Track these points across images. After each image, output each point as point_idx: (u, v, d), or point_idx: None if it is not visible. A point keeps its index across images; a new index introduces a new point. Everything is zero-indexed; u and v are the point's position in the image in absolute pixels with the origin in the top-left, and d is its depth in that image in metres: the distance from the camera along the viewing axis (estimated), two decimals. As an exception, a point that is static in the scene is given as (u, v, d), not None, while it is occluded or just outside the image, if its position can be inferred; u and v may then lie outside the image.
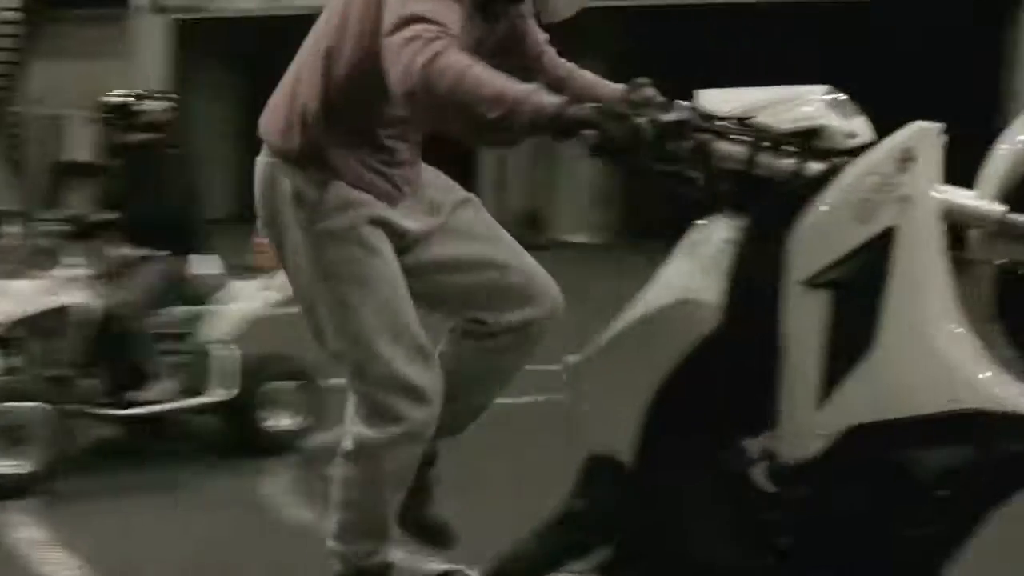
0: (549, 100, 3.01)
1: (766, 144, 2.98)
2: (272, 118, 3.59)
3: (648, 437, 3.07)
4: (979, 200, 3.00)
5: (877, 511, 2.89)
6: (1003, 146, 3.11)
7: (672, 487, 3.11)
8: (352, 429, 3.60)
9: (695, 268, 3.07)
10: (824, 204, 2.92)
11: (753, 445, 3.10)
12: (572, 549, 3.25)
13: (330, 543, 3.74)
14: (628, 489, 3.13)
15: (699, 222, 3.15)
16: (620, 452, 3.10)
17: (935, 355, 2.85)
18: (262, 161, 3.61)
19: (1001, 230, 2.98)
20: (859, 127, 3.02)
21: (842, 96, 3.07)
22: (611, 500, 3.16)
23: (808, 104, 3.02)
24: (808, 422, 2.92)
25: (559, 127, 2.97)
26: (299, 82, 3.53)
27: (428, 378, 3.55)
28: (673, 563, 3.13)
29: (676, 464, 3.09)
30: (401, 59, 3.06)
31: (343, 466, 3.64)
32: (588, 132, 2.92)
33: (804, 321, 2.91)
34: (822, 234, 2.91)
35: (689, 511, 3.10)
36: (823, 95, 3.06)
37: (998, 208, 2.98)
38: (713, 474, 3.11)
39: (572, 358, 3.22)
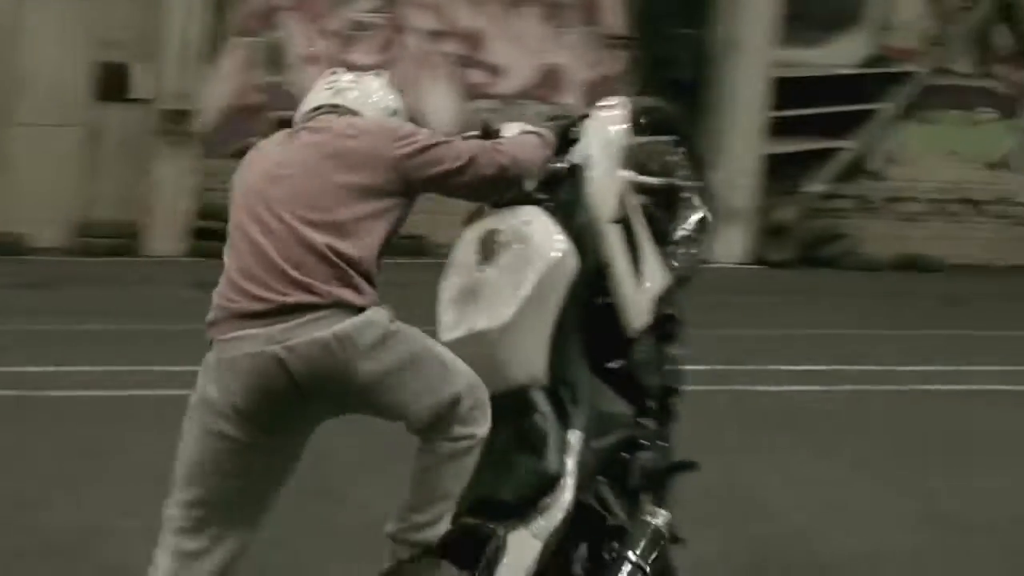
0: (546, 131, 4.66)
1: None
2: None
3: (553, 361, 4.43)
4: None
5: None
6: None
7: (575, 374, 4.50)
8: (458, 430, 4.18)
9: (549, 232, 4.46)
10: (596, 170, 4.63)
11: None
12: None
13: (408, 530, 4.19)
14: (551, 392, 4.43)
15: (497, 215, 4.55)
16: (541, 373, 4.41)
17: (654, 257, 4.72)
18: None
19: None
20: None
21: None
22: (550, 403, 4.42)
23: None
24: (638, 299, 4.62)
25: None
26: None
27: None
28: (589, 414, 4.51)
29: (572, 368, 4.49)
30: (522, 159, 4.42)
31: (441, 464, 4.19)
32: None
33: (614, 243, 4.58)
34: (603, 189, 4.61)
35: (585, 384, 4.52)
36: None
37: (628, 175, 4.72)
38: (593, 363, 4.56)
39: (487, 322, 4.36)
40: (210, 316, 4.18)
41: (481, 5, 17.88)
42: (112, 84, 16.57)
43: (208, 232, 16.02)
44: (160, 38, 16.43)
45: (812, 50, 18.73)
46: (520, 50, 18.06)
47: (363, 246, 4.13)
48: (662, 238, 4.83)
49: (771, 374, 10.55)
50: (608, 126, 4.78)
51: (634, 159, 4.78)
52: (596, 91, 17.90)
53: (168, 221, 16.34)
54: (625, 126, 4.79)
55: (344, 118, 4.35)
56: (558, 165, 4.63)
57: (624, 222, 4.63)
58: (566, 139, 4.71)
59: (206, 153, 16.51)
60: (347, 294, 4.06)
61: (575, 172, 4.63)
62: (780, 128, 18.08)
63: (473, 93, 17.72)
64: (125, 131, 16.65)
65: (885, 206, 18.98)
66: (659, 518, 4.60)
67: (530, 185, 4.53)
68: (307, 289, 4.02)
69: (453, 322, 4.48)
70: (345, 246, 4.09)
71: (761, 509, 7.10)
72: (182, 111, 16.35)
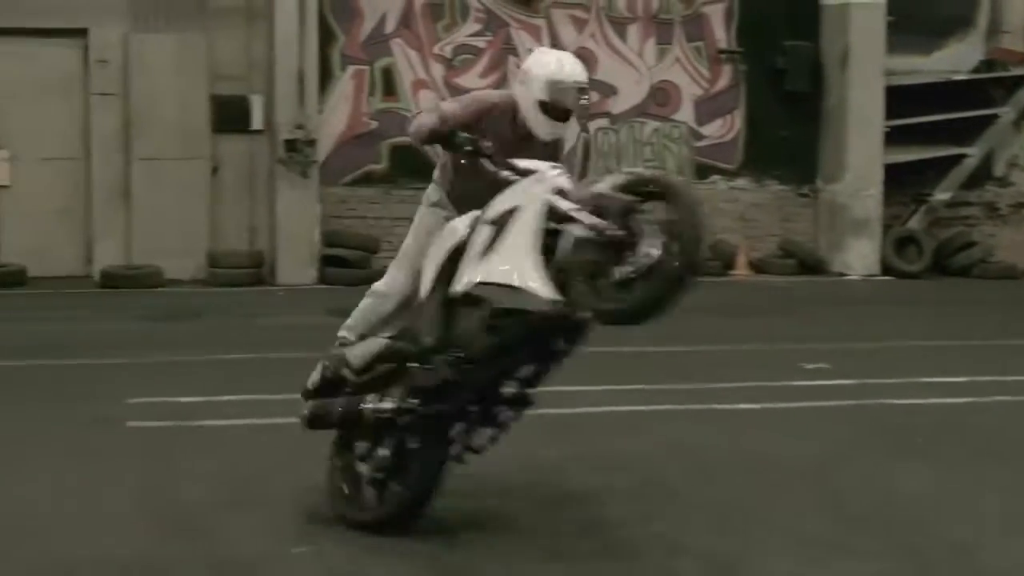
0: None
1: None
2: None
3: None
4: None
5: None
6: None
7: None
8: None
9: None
10: (508, 190, 6.25)
11: None
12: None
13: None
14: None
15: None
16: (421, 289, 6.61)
17: (522, 254, 6.02)
18: None
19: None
20: None
21: None
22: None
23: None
24: (464, 279, 6.20)
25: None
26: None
27: None
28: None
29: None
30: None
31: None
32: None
33: (479, 238, 6.23)
34: (498, 201, 6.22)
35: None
36: None
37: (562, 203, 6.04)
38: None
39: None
40: None
41: (587, 24, 17.89)
42: (231, 116, 16.76)
43: (335, 259, 16.19)
44: (274, 69, 16.61)
45: (926, 57, 18.55)
46: (628, 68, 18.05)
47: None
48: (594, 271, 5.87)
49: (915, 387, 10.40)
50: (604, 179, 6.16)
51: (589, 198, 5.96)
52: (707, 105, 17.96)
53: (296, 250, 16.55)
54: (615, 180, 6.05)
55: None
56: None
57: (499, 226, 6.13)
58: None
59: (324, 181, 16.66)
60: None
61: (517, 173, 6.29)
62: (900, 138, 17.92)
63: (585, 113, 17.72)
64: (246, 162, 16.87)
65: (1013, 212, 18.74)
66: (378, 401, 6.55)
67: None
68: None
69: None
70: None
71: (919, 522, 6.99)
72: (301, 140, 16.50)
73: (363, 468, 6.64)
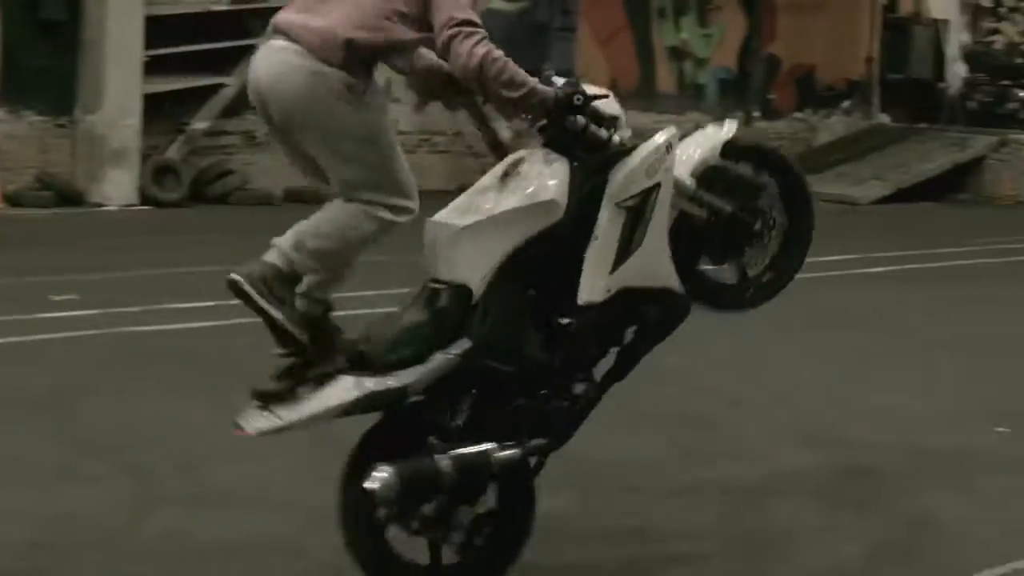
0: (546, 91, 4.88)
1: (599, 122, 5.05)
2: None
3: (496, 283, 4.94)
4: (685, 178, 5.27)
5: (620, 333, 5.28)
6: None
7: (506, 312, 4.98)
8: (376, 212, 4.92)
9: (550, 178, 5.00)
10: (632, 162, 5.07)
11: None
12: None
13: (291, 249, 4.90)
14: (470, 307, 4.94)
15: (534, 149, 5.11)
16: (474, 284, 4.93)
17: (661, 259, 5.18)
18: (302, 64, 4.78)
19: (682, 190, 5.25)
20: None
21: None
22: (455, 314, 4.93)
23: (614, 102, 5.14)
24: (601, 280, 5.05)
25: (548, 111, 4.92)
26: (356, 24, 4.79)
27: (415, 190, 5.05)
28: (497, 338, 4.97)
29: (510, 299, 4.99)
30: (464, 47, 4.71)
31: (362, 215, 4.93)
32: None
33: (610, 224, 5.06)
34: (628, 179, 5.06)
35: (514, 319, 5.02)
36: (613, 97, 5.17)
37: (691, 183, 5.28)
38: (536, 309, 5.09)
39: (459, 221, 4.96)
40: None
41: None
42: None
43: None
44: None
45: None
46: None
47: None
48: (710, 251, 5.47)
49: (162, 313, 10.48)
50: (704, 140, 5.46)
51: (712, 176, 5.37)
52: None
53: None
54: (714, 142, 5.44)
55: None
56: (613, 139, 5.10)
57: (635, 213, 5.09)
58: (571, 107, 4.97)
59: None
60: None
61: (613, 152, 5.11)
62: (159, 67, 17.89)
63: None
64: None
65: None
66: (502, 453, 4.98)
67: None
68: None
69: (450, 208, 5.09)
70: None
71: (151, 444, 7.08)
72: None
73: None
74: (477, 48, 4.73)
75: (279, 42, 4.90)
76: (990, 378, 9.27)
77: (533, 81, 4.88)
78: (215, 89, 18.43)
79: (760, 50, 24.19)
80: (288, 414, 4.81)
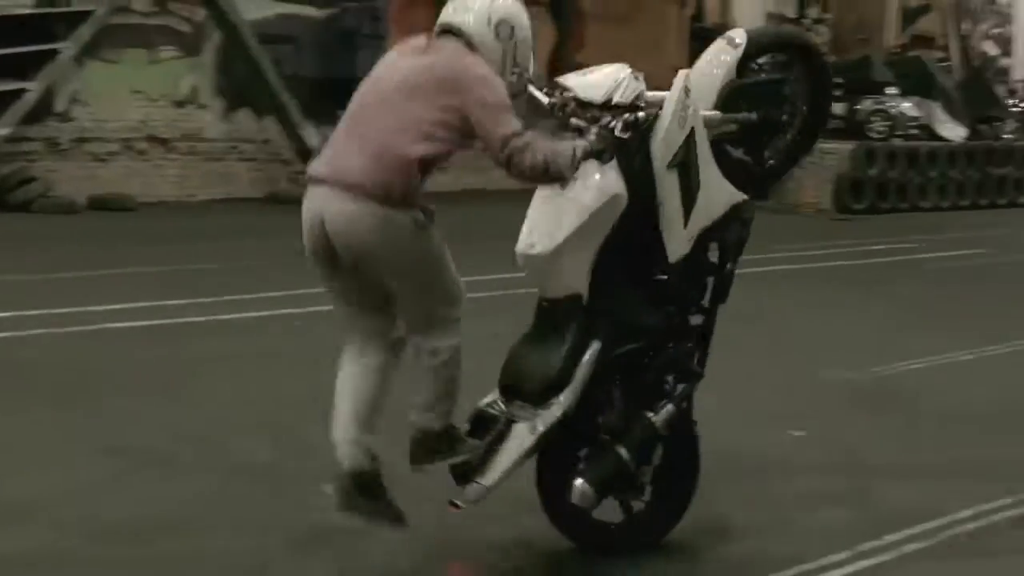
0: (582, 147, 5.37)
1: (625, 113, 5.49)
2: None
3: (595, 279, 5.52)
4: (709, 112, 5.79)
5: (709, 263, 5.89)
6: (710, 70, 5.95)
7: (614, 299, 5.57)
8: (439, 344, 5.36)
9: (606, 175, 5.47)
10: (663, 124, 5.55)
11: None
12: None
13: (426, 421, 5.41)
14: (584, 310, 5.53)
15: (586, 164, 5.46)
16: (582, 289, 5.53)
17: (720, 185, 5.74)
18: (373, 211, 5.16)
19: (710, 123, 5.76)
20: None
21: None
22: (576, 322, 5.53)
23: (634, 81, 5.61)
24: (681, 235, 5.64)
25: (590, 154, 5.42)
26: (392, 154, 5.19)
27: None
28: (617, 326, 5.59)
29: (614, 284, 5.57)
30: (526, 162, 5.20)
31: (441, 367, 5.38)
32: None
33: (669, 187, 5.60)
34: (666, 140, 5.56)
35: (622, 301, 5.61)
36: (632, 74, 5.64)
37: (716, 114, 5.83)
38: (634, 281, 5.66)
39: (549, 243, 5.47)
40: None
41: None
42: None
43: None
44: None
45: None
46: None
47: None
48: (755, 158, 6.07)
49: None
50: (714, 68, 5.92)
51: (732, 96, 5.92)
52: None
53: None
54: (727, 66, 5.91)
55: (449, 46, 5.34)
56: (639, 115, 5.52)
57: (684, 165, 5.60)
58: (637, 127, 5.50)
59: None
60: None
61: (646, 125, 5.55)
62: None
63: None
64: None
65: (74, 147, 18.84)
66: (661, 415, 5.66)
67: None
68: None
69: (525, 233, 5.59)
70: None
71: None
72: None
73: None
74: (537, 158, 5.23)
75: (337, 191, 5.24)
76: (779, 380, 9.52)
77: (572, 146, 5.38)
78: (17, 94, 18.03)
79: (569, 58, 24.45)
80: (487, 478, 5.42)
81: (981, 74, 32.46)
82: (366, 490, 5.35)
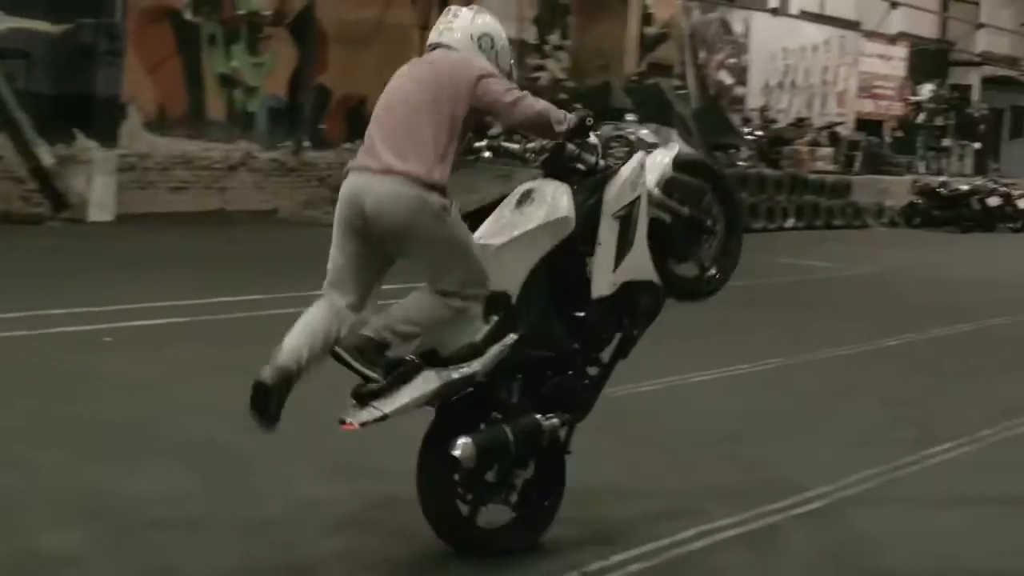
0: (570, 116, 6.24)
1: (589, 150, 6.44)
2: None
3: (526, 289, 6.20)
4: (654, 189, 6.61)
5: (622, 319, 6.62)
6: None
7: (538, 309, 6.27)
8: (459, 305, 6.05)
9: (559, 200, 6.29)
10: (620, 179, 6.45)
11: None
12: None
13: (383, 331, 5.94)
14: (512, 308, 6.17)
15: (538, 180, 6.43)
16: (512, 291, 6.18)
17: (645, 258, 6.50)
18: (409, 191, 5.94)
19: (652, 199, 6.58)
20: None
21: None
22: (508, 315, 6.16)
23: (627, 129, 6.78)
24: (608, 277, 6.41)
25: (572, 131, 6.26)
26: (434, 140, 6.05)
27: None
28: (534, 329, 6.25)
29: (541, 299, 6.28)
30: (531, 105, 6.16)
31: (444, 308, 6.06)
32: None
33: (609, 232, 6.40)
34: (619, 193, 6.42)
35: (544, 315, 6.30)
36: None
37: (658, 193, 6.61)
38: (557, 306, 6.38)
39: (495, 242, 6.17)
40: None
41: None
42: None
43: None
44: None
45: None
46: None
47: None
48: (675, 250, 6.77)
49: None
50: (660, 158, 6.68)
51: (670, 187, 6.68)
52: None
53: None
54: (668, 162, 6.71)
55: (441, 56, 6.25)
56: (600, 163, 6.46)
57: (627, 220, 6.42)
58: (584, 128, 6.27)
59: None
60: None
61: (606, 171, 6.44)
62: None
63: None
64: None
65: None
66: (549, 423, 6.26)
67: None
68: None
69: (483, 232, 6.24)
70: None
71: None
72: None
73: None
74: (537, 106, 6.16)
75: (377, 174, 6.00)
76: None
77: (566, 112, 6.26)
78: None
79: (310, 80, 24.38)
80: (385, 406, 5.79)
81: (717, 102, 33.43)
82: (280, 391, 5.84)
